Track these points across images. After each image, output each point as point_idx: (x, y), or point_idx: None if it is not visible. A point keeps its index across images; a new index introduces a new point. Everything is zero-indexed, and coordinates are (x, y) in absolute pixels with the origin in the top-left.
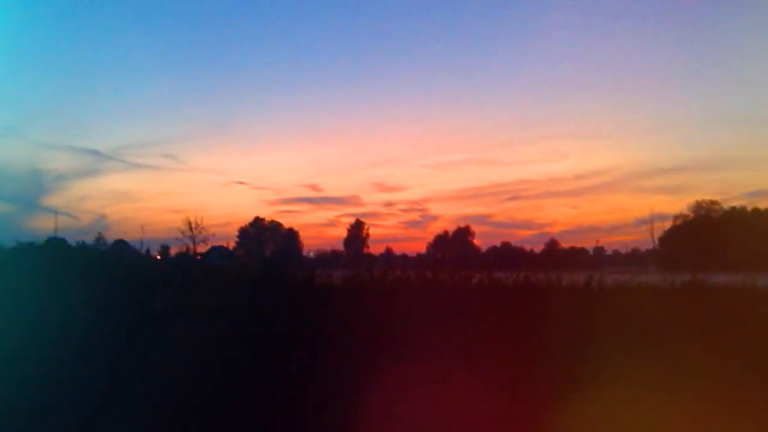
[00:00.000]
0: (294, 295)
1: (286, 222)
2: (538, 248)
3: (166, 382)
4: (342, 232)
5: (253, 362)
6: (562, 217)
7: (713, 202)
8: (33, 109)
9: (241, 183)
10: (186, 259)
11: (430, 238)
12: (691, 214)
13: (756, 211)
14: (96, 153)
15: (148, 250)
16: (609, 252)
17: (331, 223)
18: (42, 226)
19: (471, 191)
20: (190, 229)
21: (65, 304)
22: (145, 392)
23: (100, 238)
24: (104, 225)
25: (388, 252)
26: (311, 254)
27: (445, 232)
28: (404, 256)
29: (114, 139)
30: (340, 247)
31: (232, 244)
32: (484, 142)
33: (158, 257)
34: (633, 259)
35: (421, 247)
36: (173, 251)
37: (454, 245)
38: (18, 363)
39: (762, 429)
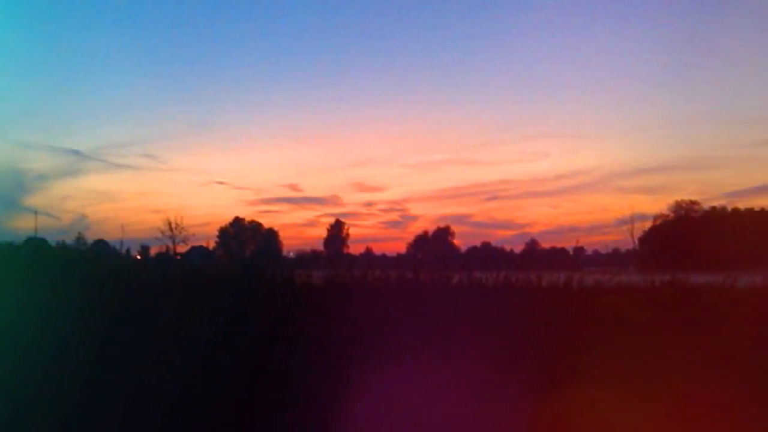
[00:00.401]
0: (274, 295)
1: (266, 222)
2: (518, 248)
3: (145, 382)
4: (322, 232)
5: (233, 362)
6: (542, 217)
7: (693, 202)
8: (13, 109)
9: (221, 183)
10: (166, 259)
11: (410, 238)
12: (671, 214)
13: (736, 211)
14: (76, 153)
15: (128, 250)
16: (589, 252)
17: (311, 223)
18: (22, 225)
19: (451, 191)
20: (170, 229)
21: (43, 303)
22: (124, 393)
23: (80, 238)
24: (85, 225)
25: (368, 252)
26: (291, 254)
27: (425, 232)
28: (384, 256)
29: (94, 139)
30: (320, 247)
31: (212, 244)
32: (465, 141)
33: (138, 257)
34: (613, 259)
35: (401, 248)
36: (153, 251)
37: (434, 245)
38: None
39: (741, 428)
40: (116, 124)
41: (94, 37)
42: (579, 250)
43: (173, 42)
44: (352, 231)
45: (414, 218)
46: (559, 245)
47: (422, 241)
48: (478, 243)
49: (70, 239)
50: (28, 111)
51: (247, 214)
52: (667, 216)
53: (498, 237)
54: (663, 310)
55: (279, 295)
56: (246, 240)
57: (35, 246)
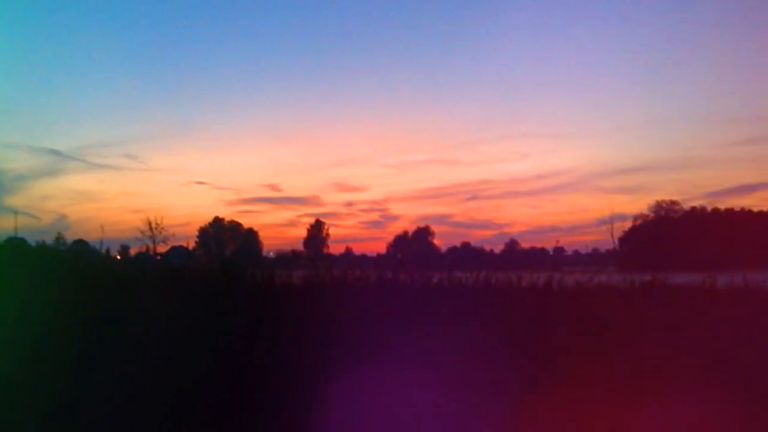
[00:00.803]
0: (254, 295)
1: (246, 222)
2: (498, 248)
3: (125, 382)
4: (302, 232)
5: (213, 362)
6: (522, 218)
7: (673, 202)
8: None
9: (202, 183)
10: (146, 259)
11: (390, 238)
12: (651, 214)
13: (716, 211)
14: (57, 153)
15: (108, 250)
16: (569, 252)
17: (291, 223)
18: (2, 226)
19: (431, 191)
20: (150, 229)
21: (23, 303)
22: (103, 392)
23: (59, 238)
24: (65, 225)
25: (348, 252)
26: (271, 254)
27: (405, 233)
28: (364, 257)
29: (75, 139)
30: (300, 247)
31: (192, 244)
32: (445, 141)
33: (118, 257)
34: (593, 259)
35: (381, 248)
36: (133, 251)
37: (414, 245)
38: None
39: (721, 426)
40: (97, 124)
41: (75, 37)
42: (559, 250)
43: (154, 42)
44: (332, 231)
45: (394, 218)
46: (539, 245)
47: (402, 241)
48: (458, 243)
49: (49, 239)
50: (7, 111)
51: (227, 214)
52: (647, 216)
53: (478, 237)
54: (643, 310)
55: (259, 295)
56: (226, 240)
57: (15, 246)
